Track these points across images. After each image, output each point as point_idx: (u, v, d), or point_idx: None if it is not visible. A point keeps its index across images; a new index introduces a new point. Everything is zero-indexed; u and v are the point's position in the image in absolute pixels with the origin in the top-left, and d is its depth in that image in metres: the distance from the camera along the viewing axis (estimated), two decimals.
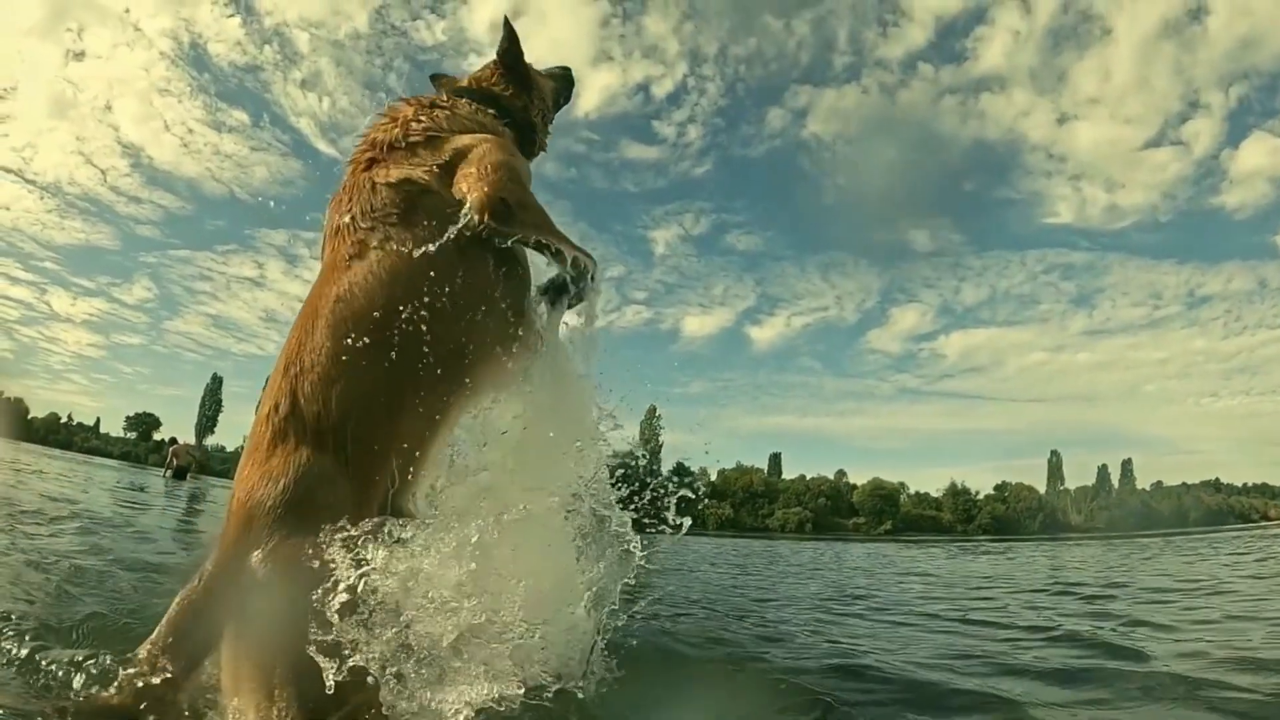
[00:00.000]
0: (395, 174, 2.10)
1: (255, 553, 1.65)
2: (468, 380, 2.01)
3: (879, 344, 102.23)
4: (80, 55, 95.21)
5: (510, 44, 2.56)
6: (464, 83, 2.57)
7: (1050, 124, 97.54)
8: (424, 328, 1.88)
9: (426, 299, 1.90)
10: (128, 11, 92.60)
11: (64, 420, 79.52)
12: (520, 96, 2.59)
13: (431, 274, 1.92)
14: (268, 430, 1.81)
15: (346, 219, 2.06)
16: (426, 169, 2.10)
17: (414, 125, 2.20)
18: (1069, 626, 3.55)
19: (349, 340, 1.84)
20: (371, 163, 2.14)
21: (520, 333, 2.12)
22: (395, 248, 1.97)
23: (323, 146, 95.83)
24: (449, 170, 2.11)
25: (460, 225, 1.98)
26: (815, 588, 6.54)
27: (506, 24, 2.57)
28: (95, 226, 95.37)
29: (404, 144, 2.16)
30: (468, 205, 2.00)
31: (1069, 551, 15.65)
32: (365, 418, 1.84)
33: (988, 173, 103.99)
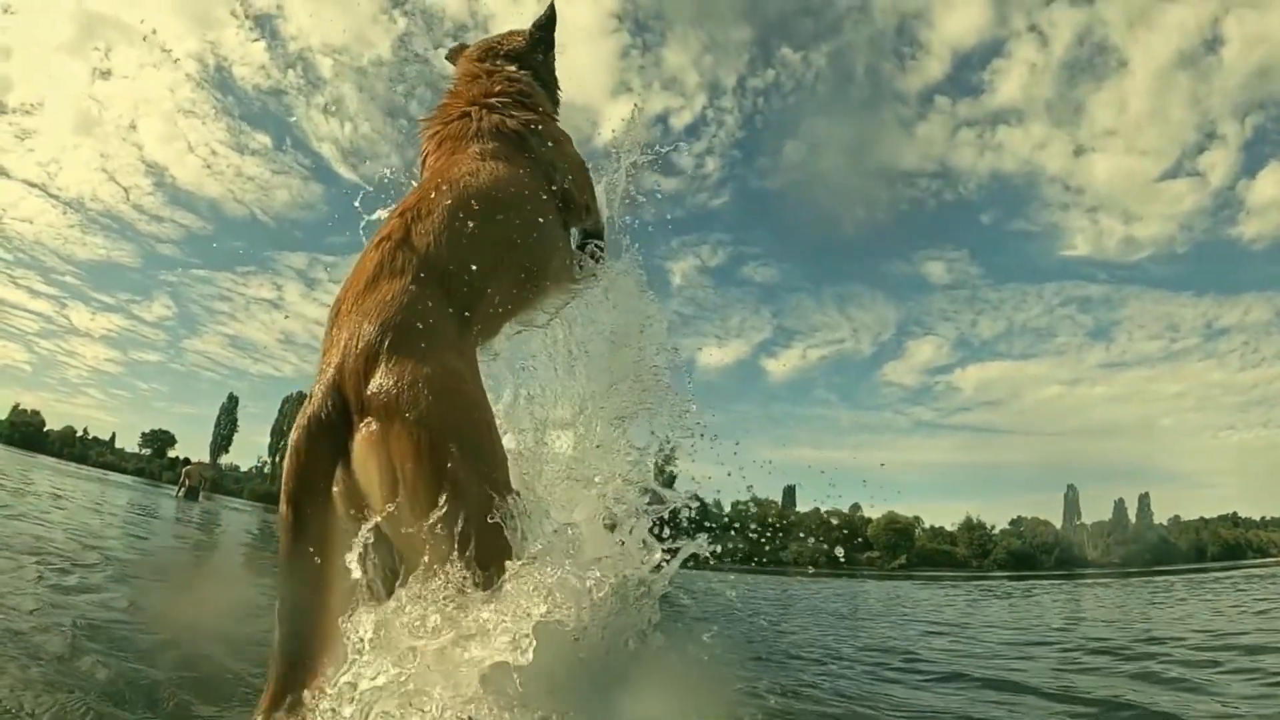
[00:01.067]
0: (518, 119, 2.59)
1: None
2: (544, 279, 2.47)
3: (895, 377, 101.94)
4: (107, 74, 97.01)
5: (550, 24, 3.03)
6: (502, 47, 2.94)
7: (1067, 156, 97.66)
8: (521, 221, 2.31)
9: (529, 207, 2.37)
10: (155, 33, 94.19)
11: (80, 434, 79.97)
12: (548, 61, 3.09)
13: (538, 196, 2.46)
14: (376, 257, 2.01)
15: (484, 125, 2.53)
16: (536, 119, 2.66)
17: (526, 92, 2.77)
18: (1131, 697, 3.42)
19: (471, 203, 2.17)
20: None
21: (571, 263, 2.72)
22: (516, 167, 2.44)
23: (344, 171, 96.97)
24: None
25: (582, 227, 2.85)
26: (847, 638, 6.37)
27: (553, 8, 3.03)
28: (116, 243, 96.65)
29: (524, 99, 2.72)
30: (590, 221, 2.86)
31: (1089, 593, 15.40)
32: (466, 265, 2.08)
33: (1005, 205, 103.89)
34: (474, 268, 2.09)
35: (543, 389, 2.79)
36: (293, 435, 1.79)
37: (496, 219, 2.23)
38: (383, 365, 1.79)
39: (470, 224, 2.13)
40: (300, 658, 1.75)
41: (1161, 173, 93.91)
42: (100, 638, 2.88)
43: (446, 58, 3.11)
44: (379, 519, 1.74)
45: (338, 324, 1.90)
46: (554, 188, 2.54)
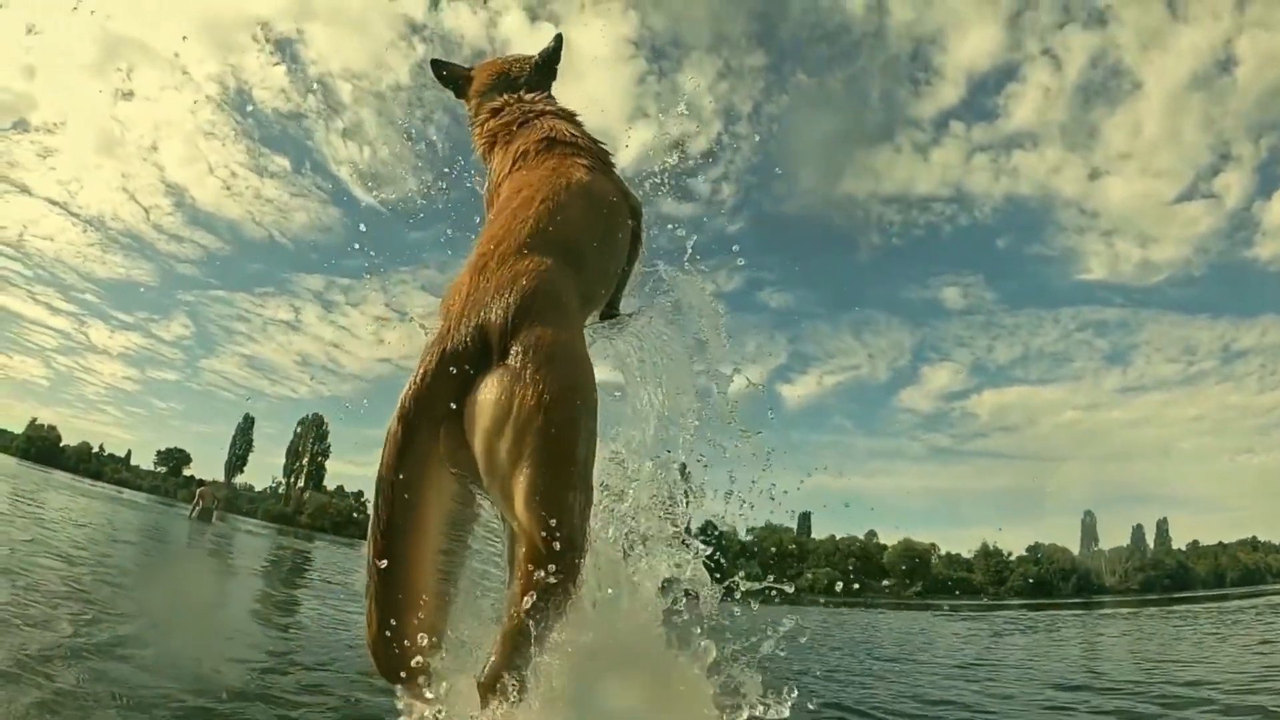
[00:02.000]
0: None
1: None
2: (606, 293, 2.72)
3: (911, 403, 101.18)
4: (129, 95, 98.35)
5: (556, 54, 3.17)
6: (511, 72, 3.10)
7: (1082, 180, 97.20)
8: (622, 235, 2.64)
9: (621, 222, 2.64)
10: (176, 55, 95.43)
11: (95, 450, 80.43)
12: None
13: (625, 217, 2.70)
14: (526, 229, 2.19)
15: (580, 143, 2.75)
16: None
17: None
18: None
19: (598, 204, 2.47)
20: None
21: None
22: (616, 186, 2.72)
23: (361, 195, 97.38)
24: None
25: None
26: (875, 679, 6.24)
27: (560, 38, 3.16)
28: (136, 262, 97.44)
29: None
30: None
31: (1111, 627, 15.13)
32: (587, 258, 2.34)
33: (1020, 229, 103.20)
34: (591, 263, 2.37)
35: None
36: (426, 361, 1.94)
37: (610, 225, 2.54)
38: (529, 322, 1.93)
39: (596, 223, 2.43)
40: (396, 579, 1.90)
41: (1177, 195, 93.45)
42: None
43: (436, 71, 3.25)
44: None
45: (484, 275, 2.04)
46: (630, 220, 2.75)
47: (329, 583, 11.33)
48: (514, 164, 2.68)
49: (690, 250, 3.20)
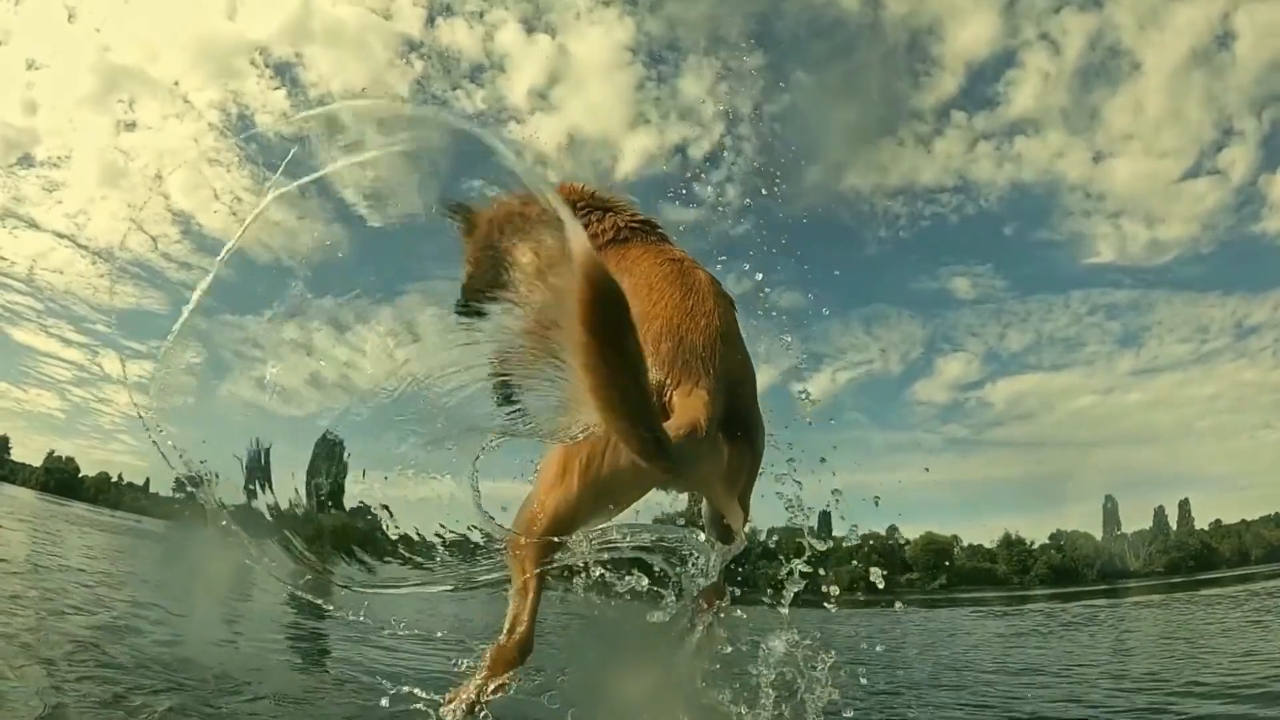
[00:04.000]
0: None
1: None
2: None
3: (925, 395, 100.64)
4: (131, 126, 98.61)
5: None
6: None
7: (1086, 163, 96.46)
8: None
9: None
10: (177, 84, 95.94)
11: (114, 480, 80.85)
12: None
13: None
14: (705, 279, 2.89)
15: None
16: None
17: None
18: None
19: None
20: None
21: None
22: None
23: (367, 214, 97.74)
24: None
25: None
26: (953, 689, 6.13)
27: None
28: (146, 291, 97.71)
29: None
30: None
31: (1144, 617, 14.95)
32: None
33: (1026, 216, 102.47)
34: None
35: None
36: (707, 412, 2.41)
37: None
38: (733, 341, 2.75)
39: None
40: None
41: (1182, 173, 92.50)
42: None
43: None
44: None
45: (700, 300, 2.70)
46: None
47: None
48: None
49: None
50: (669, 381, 2.45)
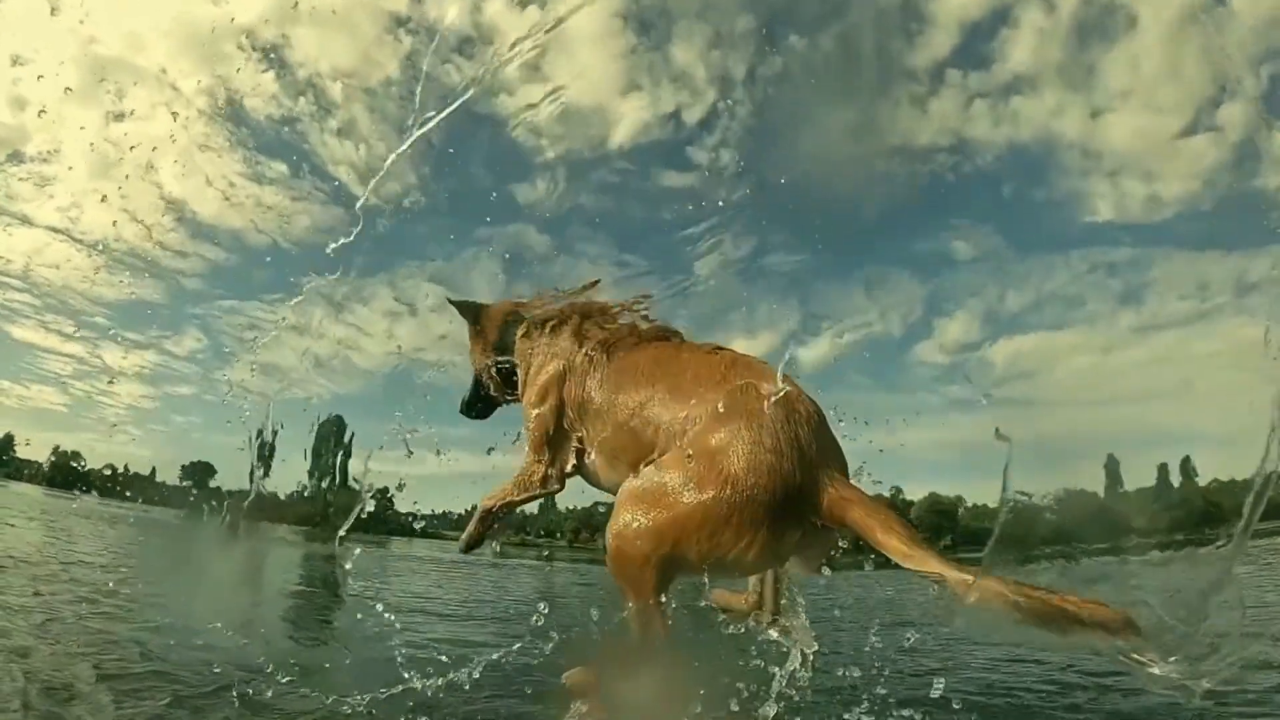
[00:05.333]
0: None
1: None
2: None
3: (927, 356, 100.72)
4: (120, 116, 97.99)
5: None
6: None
7: (1083, 121, 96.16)
8: None
9: None
10: (164, 71, 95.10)
11: (120, 471, 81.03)
12: None
13: None
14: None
15: None
16: None
17: None
18: None
19: None
20: None
21: None
22: None
23: (362, 193, 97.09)
24: None
25: None
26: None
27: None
28: (143, 281, 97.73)
29: None
30: None
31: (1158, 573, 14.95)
32: None
33: (1024, 175, 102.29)
34: None
35: None
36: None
37: None
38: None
39: None
40: None
41: (1180, 129, 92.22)
42: None
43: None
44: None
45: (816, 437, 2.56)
46: None
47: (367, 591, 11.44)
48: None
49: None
50: (824, 479, 2.43)
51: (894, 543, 2.30)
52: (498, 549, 3.89)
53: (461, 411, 3.83)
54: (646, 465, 2.65)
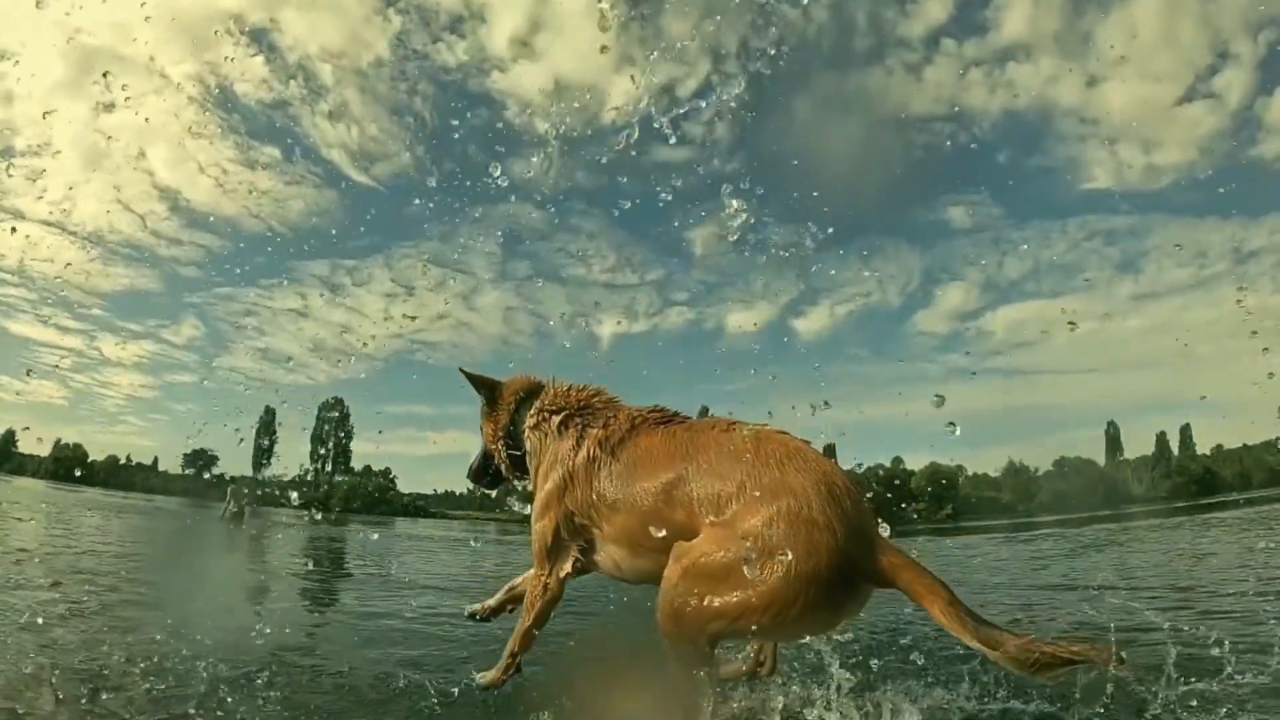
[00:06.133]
0: None
1: None
2: None
3: (926, 325, 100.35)
4: (109, 106, 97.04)
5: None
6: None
7: (1080, 88, 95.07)
8: None
9: None
10: (152, 60, 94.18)
11: (123, 462, 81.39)
12: None
13: None
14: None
15: None
16: None
17: None
18: None
19: None
20: None
21: None
22: None
23: (356, 175, 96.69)
24: None
25: None
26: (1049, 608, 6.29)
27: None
28: (139, 271, 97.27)
29: None
30: None
31: (1165, 540, 15.05)
32: None
33: (1021, 143, 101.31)
34: None
35: None
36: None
37: None
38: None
39: None
40: None
41: (1177, 97, 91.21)
42: None
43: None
44: None
45: (818, 460, 2.74)
46: None
47: (367, 569, 11.54)
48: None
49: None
50: (875, 548, 2.53)
51: (936, 608, 2.38)
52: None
53: (470, 479, 3.86)
54: (690, 542, 2.69)
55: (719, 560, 2.53)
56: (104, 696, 3.04)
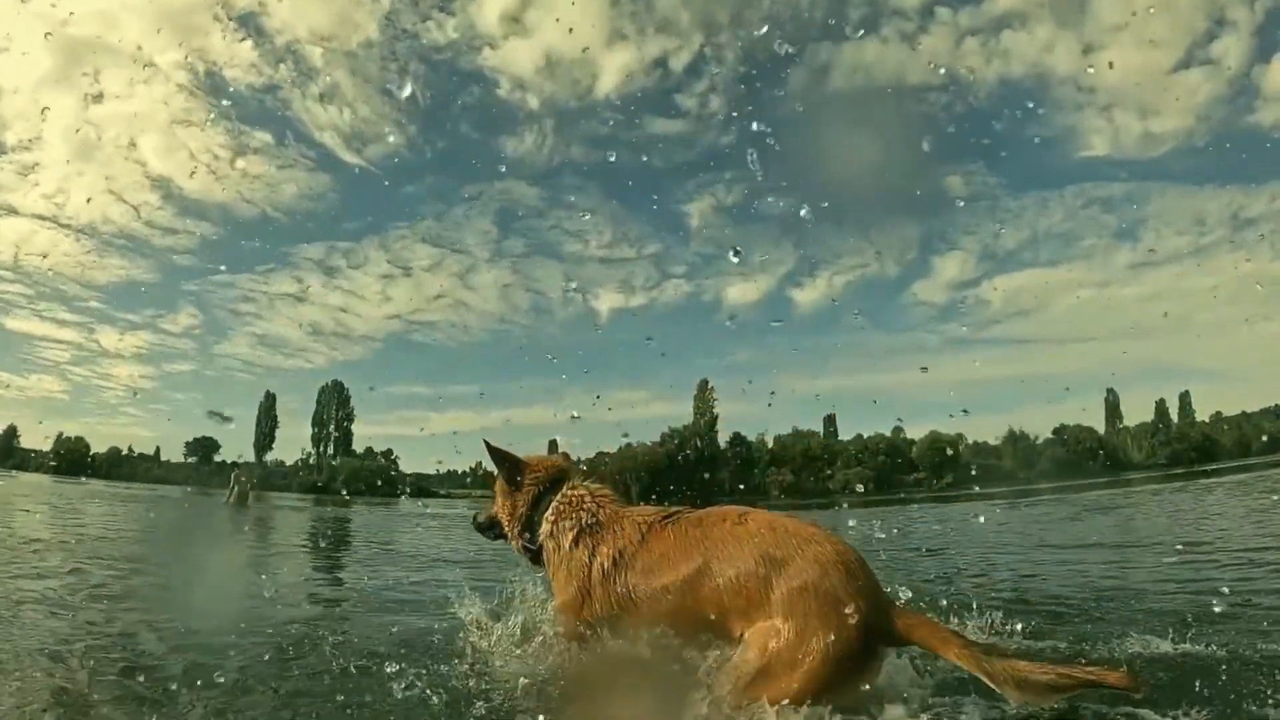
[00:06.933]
0: None
1: None
2: None
3: (924, 295, 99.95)
4: (99, 97, 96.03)
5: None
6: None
7: (1076, 56, 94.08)
8: None
9: None
10: (140, 48, 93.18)
11: (125, 453, 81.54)
12: None
13: None
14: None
15: None
16: None
17: None
18: None
19: None
20: None
21: None
22: None
23: (348, 157, 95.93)
24: None
25: None
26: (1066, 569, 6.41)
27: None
28: (134, 261, 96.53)
29: None
30: None
31: (1166, 500, 15.17)
32: None
33: (1017, 111, 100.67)
34: None
35: None
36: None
37: None
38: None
39: None
40: None
41: (1174, 64, 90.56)
42: None
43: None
44: None
45: (825, 538, 2.87)
46: None
47: (372, 546, 11.63)
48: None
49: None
50: (891, 613, 2.74)
51: (952, 653, 2.60)
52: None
53: (475, 528, 3.95)
54: (732, 658, 2.82)
55: (760, 663, 2.69)
56: (139, 678, 3.14)
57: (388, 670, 3.22)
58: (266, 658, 3.48)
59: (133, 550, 7.37)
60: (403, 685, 3.05)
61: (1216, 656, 3.26)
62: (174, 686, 3.04)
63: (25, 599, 4.59)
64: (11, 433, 79.26)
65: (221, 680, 3.09)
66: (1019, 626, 3.75)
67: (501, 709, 2.91)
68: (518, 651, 3.41)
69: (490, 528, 3.83)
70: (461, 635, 3.71)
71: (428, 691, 3.00)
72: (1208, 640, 3.45)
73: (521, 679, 3.11)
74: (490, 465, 3.72)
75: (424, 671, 3.20)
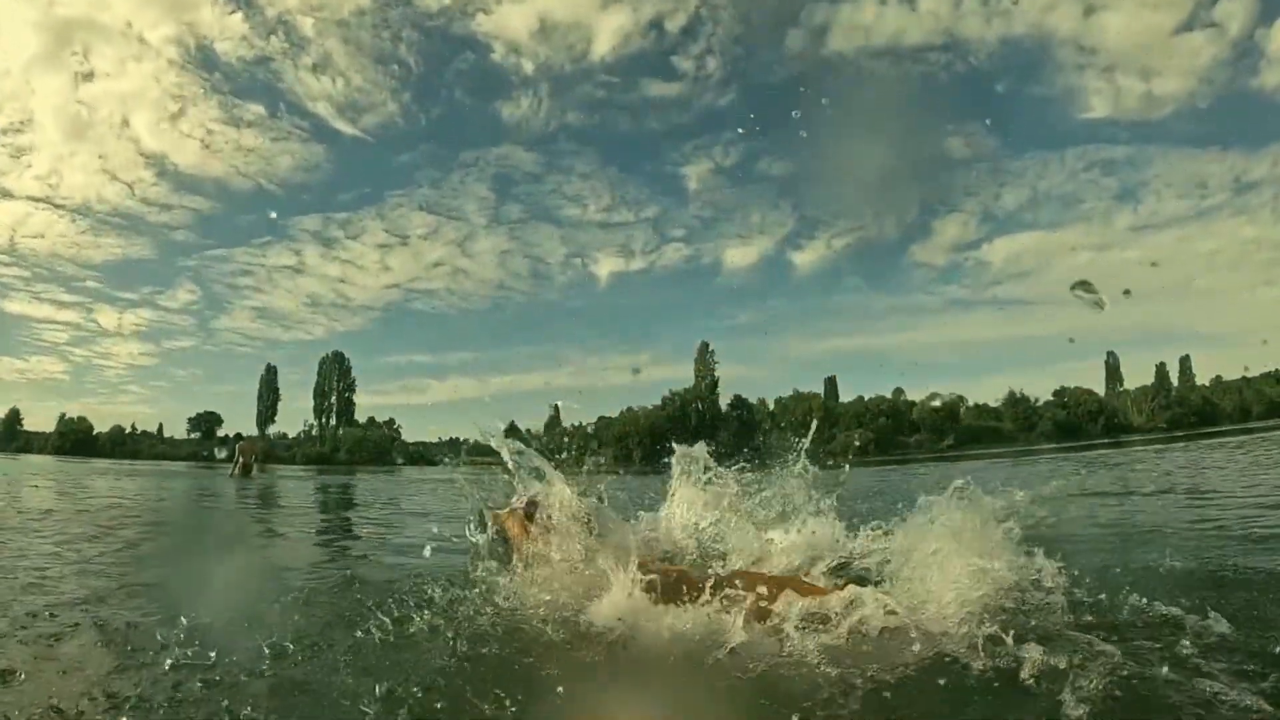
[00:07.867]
0: None
1: None
2: None
3: (923, 257, 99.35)
4: (89, 76, 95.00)
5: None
6: None
7: (1077, 16, 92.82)
8: None
9: None
10: (129, 25, 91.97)
11: (128, 431, 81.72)
12: None
13: None
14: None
15: None
16: None
17: None
18: None
19: None
20: None
21: None
22: None
23: (343, 127, 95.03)
24: None
25: None
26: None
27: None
28: (130, 240, 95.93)
29: None
30: None
31: (1168, 459, 15.19)
32: None
33: (1018, 72, 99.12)
34: None
35: None
36: None
37: None
38: None
39: None
40: None
41: (1176, 25, 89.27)
42: None
43: None
44: None
45: None
46: None
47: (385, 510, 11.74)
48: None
49: None
50: None
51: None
52: None
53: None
54: None
55: None
56: (184, 620, 3.23)
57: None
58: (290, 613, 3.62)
59: (149, 517, 7.46)
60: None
61: None
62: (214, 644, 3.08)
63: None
64: (14, 416, 79.41)
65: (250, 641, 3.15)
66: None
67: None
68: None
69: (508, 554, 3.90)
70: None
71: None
72: None
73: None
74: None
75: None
